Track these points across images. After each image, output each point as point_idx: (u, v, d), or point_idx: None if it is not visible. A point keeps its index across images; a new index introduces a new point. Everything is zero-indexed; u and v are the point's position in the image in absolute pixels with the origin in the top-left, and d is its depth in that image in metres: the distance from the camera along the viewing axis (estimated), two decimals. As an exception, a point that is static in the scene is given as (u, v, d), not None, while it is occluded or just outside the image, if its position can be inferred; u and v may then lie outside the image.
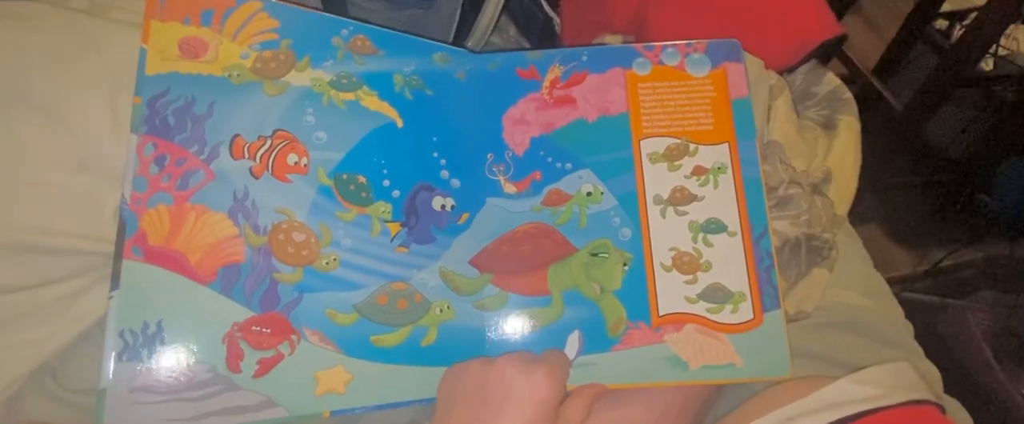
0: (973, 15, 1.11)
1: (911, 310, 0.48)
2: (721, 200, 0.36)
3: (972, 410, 0.42)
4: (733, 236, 0.35)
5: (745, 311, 0.34)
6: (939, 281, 1.03)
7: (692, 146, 0.37)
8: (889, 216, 1.17)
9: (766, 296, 0.34)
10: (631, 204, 0.36)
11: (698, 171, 0.36)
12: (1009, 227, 1.12)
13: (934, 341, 0.46)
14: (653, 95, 0.38)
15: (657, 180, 0.36)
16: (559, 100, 0.38)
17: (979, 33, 1.00)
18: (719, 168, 0.36)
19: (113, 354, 0.28)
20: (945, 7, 1.21)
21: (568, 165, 0.37)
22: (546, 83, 0.38)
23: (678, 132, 0.37)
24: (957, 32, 1.20)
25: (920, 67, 1.21)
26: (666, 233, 0.35)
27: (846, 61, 1.21)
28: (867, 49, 1.32)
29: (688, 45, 0.38)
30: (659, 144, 0.37)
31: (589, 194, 0.36)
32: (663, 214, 0.36)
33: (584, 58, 0.38)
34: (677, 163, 0.36)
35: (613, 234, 0.35)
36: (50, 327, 0.30)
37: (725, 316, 0.34)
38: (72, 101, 0.29)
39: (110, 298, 0.28)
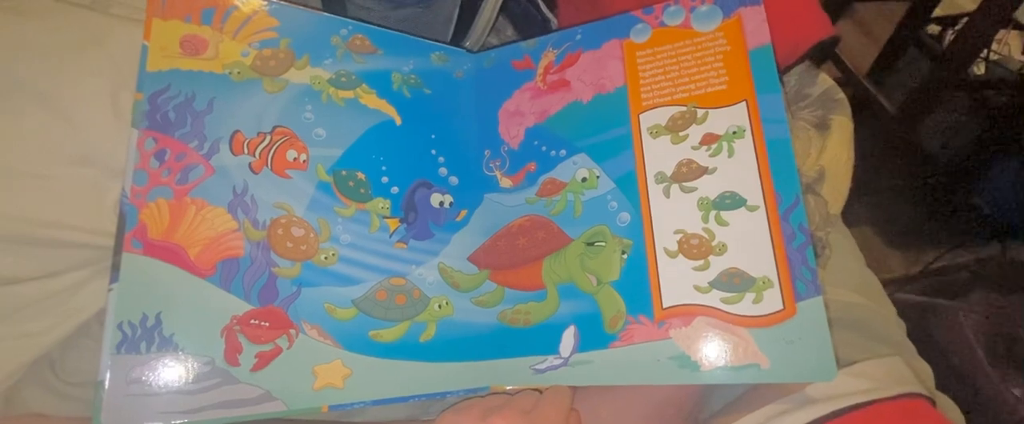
0: (964, 20, 1.12)
1: (903, 311, 0.48)
2: (738, 170, 0.31)
3: (964, 410, 0.42)
4: (754, 211, 0.30)
5: (772, 300, 0.29)
6: (931, 283, 1.04)
7: (700, 112, 0.32)
8: (882, 219, 1.18)
9: (799, 281, 0.29)
10: (630, 185, 0.33)
11: (708, 139, 0.32)
12: (1000, 229, 1.13)
13: (926, 342, 0.46)
14: (654, 62, 0.34)
15: (659, 156, 0.32)
16: (553, 85, 0.36)
17: (971, 38, 1.02)
18: (735, 132, 0.31)
19: (112, 346, 0.28)
20: (937, 12, 1.22)
21: (562, 151, 0.35)
22: (540, 70, 0.37)
23: (683, 98, 0.33)
24: (949, 37, 1.21)
25: (913, 71, 1.22)
26: (670, 214, 0.32)
27: (840, 65, 1.22)
28: (860, 53, 1.33)
29: None
30: (661, 115, 0.33)
31: (584, 180, 0.34)
32: (666, 193, 0.32)
33: (578, 37, 0.36)
34: (682, 134, 0.32)
35: (610, 220, 0.33)
36: (50, 319, 0.30)
37: (745, 307, 0.29)
38: (74, 94, 0.29)
39: (109, 291, 0.28)
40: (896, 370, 0.36)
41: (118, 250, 0.29)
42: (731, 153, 0.31)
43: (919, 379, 0.38)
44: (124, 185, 0.30)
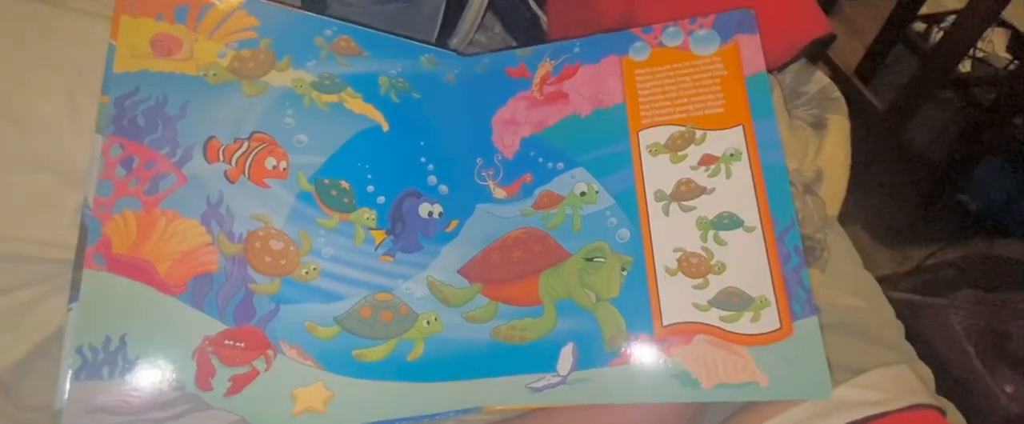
0: (950, 17, 1.13)
1: (894, 310, 0.48)
2: (735, 191, 0.32)
3: (956, 406, 0.42)
4: (751, 232, 0.31)
5: (769, 319, 0.30)
6: (920, 280, 1.04)
7: (699, 133, 0.33)
8: (870, 217, 1.18)
9: (795, 301, 0.29)
10: (629, 202, 0.33)
11: (706, 160, 0.32)
12: (988, 226, 1.14)
13: (916, 340, 0.46)
14: (653, 81, 0.34)
15: (658, 174, 0.33)
16: (550, 96, 0.36)
17: (958, 35, 1.02)
18: (732, 155, 0.32)
19: (70, 372, 0.26)
20: (923, 10, 1.23)
21: (560, 164, 0.34)
22: (536, 80, 0.36)
23: (683, 119, 0.33)
24: (935, 34, 1.22)
25: (900, 69, 1.23)
26: (670, 232, 0.32)
27: (828, 62, 1.22)
28: (848, 51, 1.33)
29: (692, 22, 0.35)
30: (660, 134, 0.33)
31: (583, 194, 0.34)
32: (666, 211, 0.32)
33: (576, 49, 0.36)
34: (681, 153, 0.33)
35: (610, 236, 0.33)
36: (3, 339, 0.28)
37: (743, 325, 0.30)
38: (26, 95, 0.27)
39: (68, 310, 0.26)
40: (905, 379, 0.35)
41: (78, 266, 0.27)
42: (729, 174, 0.32)
43: (925, 386, 0.37)
44: (86, 195, 0.28)
